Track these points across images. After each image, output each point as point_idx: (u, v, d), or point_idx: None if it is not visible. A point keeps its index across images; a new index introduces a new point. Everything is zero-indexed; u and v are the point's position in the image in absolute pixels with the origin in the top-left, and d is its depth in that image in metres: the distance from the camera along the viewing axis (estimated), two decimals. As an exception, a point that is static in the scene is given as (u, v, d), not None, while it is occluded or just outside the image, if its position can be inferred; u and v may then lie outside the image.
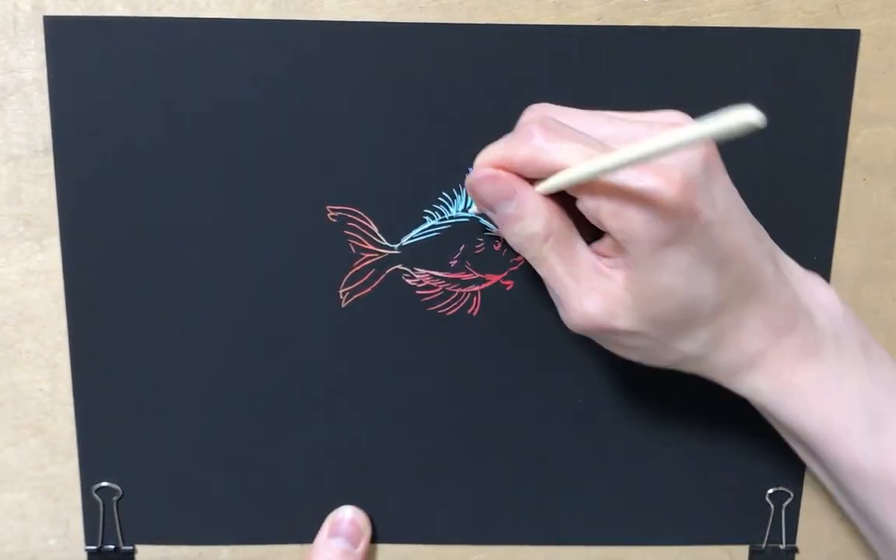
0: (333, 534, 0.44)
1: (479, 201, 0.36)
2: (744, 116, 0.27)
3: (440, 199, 0.41)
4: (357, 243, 0.41)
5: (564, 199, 0.35)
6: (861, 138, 0.41)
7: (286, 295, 0.42)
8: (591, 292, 0.35)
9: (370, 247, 0.41)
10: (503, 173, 0.35)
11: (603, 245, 0.36)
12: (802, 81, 0.40)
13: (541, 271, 0.36)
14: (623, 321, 0.35)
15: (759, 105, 0.40)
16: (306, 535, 0.45)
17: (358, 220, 0.41)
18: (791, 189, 0.41)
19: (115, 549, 0.45)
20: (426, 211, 0.41)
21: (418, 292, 0.42)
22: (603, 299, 0.35)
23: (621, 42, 0.39)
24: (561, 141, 0.33)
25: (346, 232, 0.41)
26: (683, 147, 0.31)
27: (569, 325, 0.37)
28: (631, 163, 0.31)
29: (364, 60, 0.39)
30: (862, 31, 0.40)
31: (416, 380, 0.43)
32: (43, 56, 0.39)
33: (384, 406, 0.43)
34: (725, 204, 0.34)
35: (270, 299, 0.42)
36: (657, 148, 0.30)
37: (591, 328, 0.36)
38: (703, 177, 0.33)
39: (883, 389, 0.38)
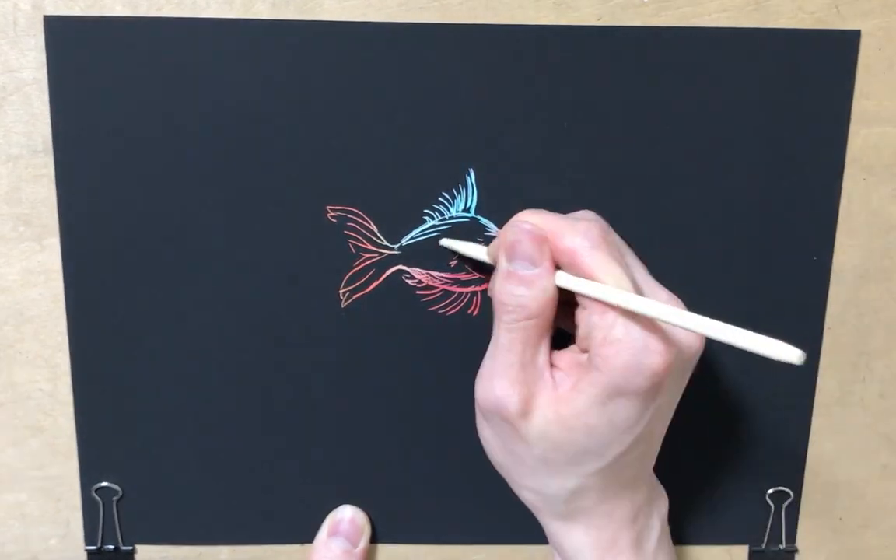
0: (333, 533, 0.44)
1: (507, 245, 0.35)
2: (786, 354, 0.28)
3: (440, 199, 0.41)
4: (357, 243, 0.41)
5: (561, 295, 0.35)
6: (861, 138, 0.41)
7: (286, 295, 0.42)
8: (522, 384, 0.35)
9: (370, 247, 0.41)
10: (545, 241, 0.35)
11: (561, 359, 0.36)
12: (802, 81, 0.40)
13: (500, 336, 0.35)
14: (528, 426, 0.35)
15: (760, 105, 0.40)
16: (306, 535, 0.45)
17: (358, 220, 0.41)
18: (791, 189, 0.41)
19: (115, 549, 0.45)
20: (426, 211, 0.41)
21: (418, 292, 0.42)
22: (528, 395, 0.35)
23: (621, 42, 0.39)
24: (608, 257, 0.34)
25: (346, 232, 0.41)
26: (695, 332, 0.33)
27: (478, 391, 0.36)
28: (652, 317, 0.32)
29: (364, 60, 0.39)
30: (862, 32, 0.40)
31: (416, 380, 0.43)
32: (43, 56, 0.39)
33: (384, 406, 0.43)
34: (674, 403, 0.37)
35: (270, 299, 0.42)
36: (687, 324, 0.32)
37: (495, 409, 0.35)
38: (686, 366, 0.36)
39: None
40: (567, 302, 0.36)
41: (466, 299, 0.42)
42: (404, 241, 0.41)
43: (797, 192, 0.41)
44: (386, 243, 0.41)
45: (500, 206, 0.41)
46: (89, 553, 0.45)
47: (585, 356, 0.35)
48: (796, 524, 0.46)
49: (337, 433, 0.44)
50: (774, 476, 0.45)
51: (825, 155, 0.41)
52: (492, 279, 0.36)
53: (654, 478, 0.40)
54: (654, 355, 0.33)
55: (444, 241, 0.41)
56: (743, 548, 0.46)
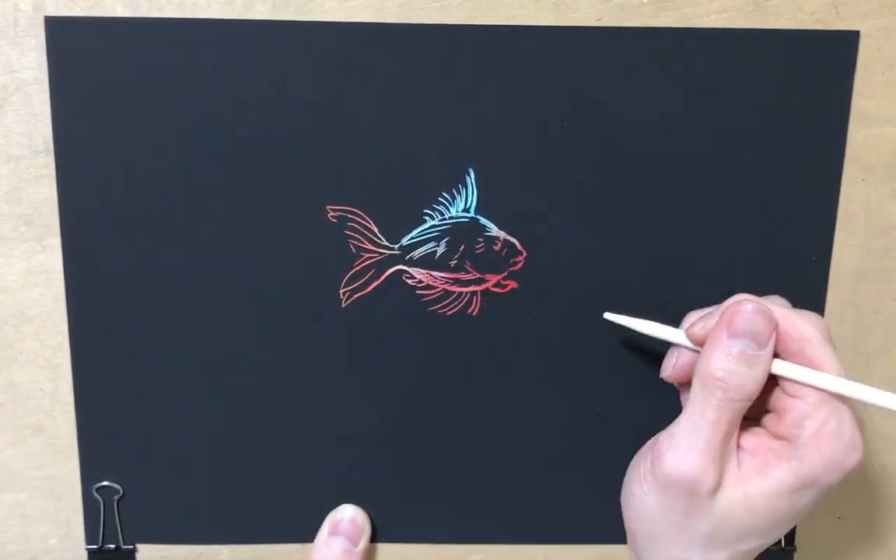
0: (334, 533, 0.44)
1: (735, 323, 0.35)
2: None
3: (440, 199, 0.41)
4: (357, 243, 0.41)
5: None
6: (860, 138, 0.41)
7: (286, 295, 0.42)
8: (719, 463, 0.35)
9: (370, 247, 0.41)
10: (775, 324, 0.35)
11: (748, 440, 0.37)
12: (802, 82, 0.40)
13: (708, 412, 0.35)
14: (713, 503, 0.35)
15: (759, 105, 0.40)
16: (306, 534, 0.45)
17: (358, 220, 0.41)
18: (791, 189, 0.41)
19: (115, 548, 0.45)
20: (426, 211, 0.41)
21: (418, 292, 0.42)
22: (721, 473, 0.35)
23: (621, 43, 0.39)
24: (833, 349, 0.36)
25: (346, 232, 0.41)
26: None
27: (668, 462, 0.36)
28: (879, 406, 0.35)
29: (364, 61, 0.39)
30: (861, 32, 0.40)
31: (415, 380, 0.43)
32: (44, 56, 0.39)
33: (384, 406, 0.44)
34: None
35: (270, 299, 0.42)
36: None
37: (688, 483, 0.35)
38: None
39: None
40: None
41: (466, 299, 0.42)
42: (404, 241, 0.41)
43: (796, 191, 0.41)
44: (386, 243, 0.41)
45: (500, 206, 0.41)
46: (90, 552, 0.45)
47: (779, 443, 0.36)
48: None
49: (337, 433, 0.44)
50: (774, 476, 0.45)
51: (824, 155, 0.41)
52: (704, 354, 0.36)
53: None
54: (855, 452, 0.35)
55: (611, 316, 0.41)
56: (742, 548, 0.46)
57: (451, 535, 0.46)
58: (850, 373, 0.44)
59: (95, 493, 0.44)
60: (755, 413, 0.37)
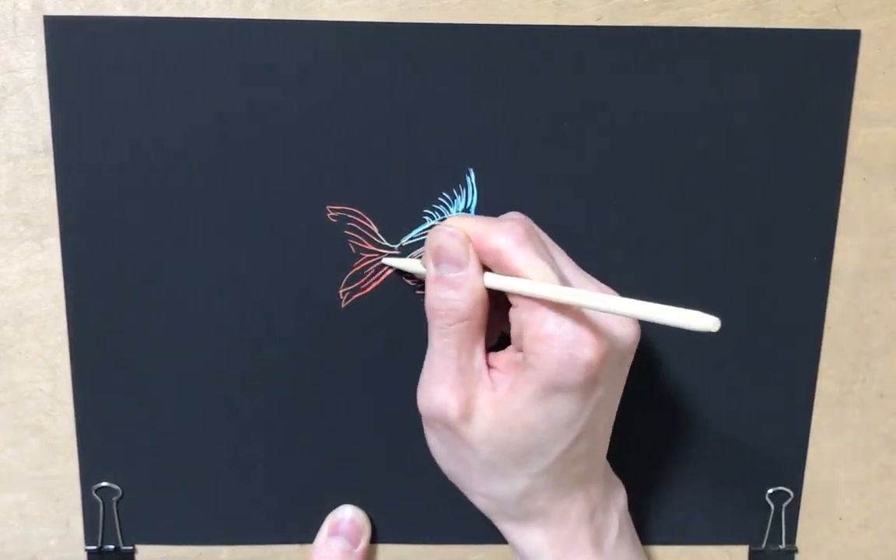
0: (333, 533, 0.44)
1: (432, 251, 0.36)
2: (703, 323, 0.29)
3: (440, 199, 0.41)
4: (357, 243, 0.41)
5: (492, 297, 0.36)
6: (861, 138, 0.41)
7: (286, 295, 0.42)
8: (460, 388, 0.35)
9: (370, 247, 0.41)
10: (468, 242, 0.35)
11: (499, 360, 0.36)
12: (802, 81, 0.40)
13: (434, 342, 0.36)
14: (470, 429, 0.35)
15: (760, 105, 0.40)
16: (306, 535, 0.45)
17: (358, 220, 0.41)
18: (791, 189, 0.41)
19: (115, 549, 0.45)
20: (426, 211, 0.41)
21: (418, 293, 0.42)
22: (467, 399, 0.35)
23: (621, 42, 0.39)
24: (533, 253, 0.34)
25: (346, 232, 0.41)
26: (629, 318, 0.34)
27: (419, 400, 0.37)
28: (579, 305, 0.33)
29: (364, 60, 0.39)
30: (862, 32, 0.40)
31: (416, 380, 0.43)
32: (43, 56, 0.39)
33: (384, 406, 0.43)
34: (617, 395, 0.37)
35: (271, 299, 0.42)
36: (615, 308, 0.32)
37: (436, 416, 0.36)
38: (623, 356, 0.35)
39: None
40: (504, 304, 0.36)
41: (466, 299, 0.42)
42: (404, 241, 0.41)
43: (797, 191, 0.41)
44: (386, 243, 0.41)
45: (500, 206, 0.41)
46: (89, 553, 0.45)
47: (520, 355, 0.35)
48: (796, 524, 0.46)
49: (337, 433, 0.44)
50: (774, 476, 0.45)
51: (825, 155, 0.41)
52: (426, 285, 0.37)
53: (610, 472, 0.40)
54: (586, 348, 0.33)
55: (386, 260, 0.41)
56: (743, 548, 0.46)
57: (451, 535, 0.46)
58: (851, 373, 0.44)
59: (95, 494, 0.44)
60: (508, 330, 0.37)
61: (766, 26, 0.39)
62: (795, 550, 0.46)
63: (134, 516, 0.45)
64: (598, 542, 0.38)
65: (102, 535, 0.45)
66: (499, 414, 0.35)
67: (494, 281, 0.35)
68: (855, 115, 0.41)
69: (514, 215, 0.38)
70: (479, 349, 0.36)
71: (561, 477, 0.36)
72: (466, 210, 0.41)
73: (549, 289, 0.33)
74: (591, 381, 0.34)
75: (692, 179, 0.41)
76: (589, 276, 0.36)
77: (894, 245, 0.43)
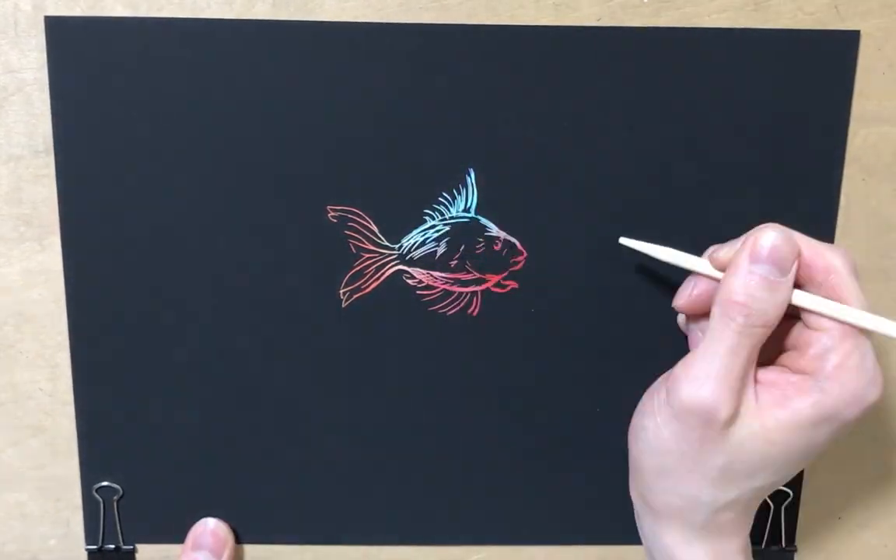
0: (196, 547, 0.44)
1: (760, 247, 0.35)
2: None
3: (440, 199, 0.41)
4: (357, 243, 0.41)
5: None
6: (861, 138, 0.41)
7: (286, 295, 0.42)
8: (736, 392, 0.35)
9: (370, 247, 0.41)
10: (798, 252, 0.35)
11: (764, 374, 0.36)
12: (802, 81, 0.40)
13: (727, 338, 0.35)
14: (730, 433, 0.35)
15: (760, 105, 0.40)
16: (307, 534, 0.45)
17: (358, 220, 0.41)
18: (791, 189, 0.41)
19: (115, 548, 0.45)
20: (426, 211, 0.41)
21: (418, 292, 0.42)
22: (737, 403, 0.35)
23: (621, 43, 0.39)
24: (858, 284, 0.35)
25: (346, 232, 0.41)
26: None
27: (683, 389, 0.35)
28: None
29: (364, 61, 0.39)
30: (862, 32, 0.40)
31: (416, 380, 0.43)
32: (44, 56, 0.39)
33: (384, 406, 0.44)
34: None
35: (271, 300, 0.42)
36: None
37: (702, 411, 0.35)
38: None
39: None
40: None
41: (466, 299, 0.42)
42: (404, 241, 0.41)
43: (797, 192, 0.41)
44: (386, 243, 0.41)
45: (500, 206, 0.41)
46: (90, 553, 0.45)
47: (799, 377, 0.35)
48: (796, 524, 0.46)
49: (337, 433, 0.44)
50: (774, 476, 0.45)
51: (825, 155, 0.41)
52: (725, 280, 0.35)
53: None
54: (875, 388, 0.34)
55: (627, 241, 0.40)
56: (743, 548, 0.46)
57: (451, 535, 0.46)
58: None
59: (95, 494, 0.44)
60: (771, 353, 0.37)
61: (766, 27, 0.39)
62: (795, 550, 0.46)
63: (134, 516, 0.45)
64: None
65: (103, 534, 0.45)
66: (764, 426, 0.35)
67: (809, 302, 0.35)
68: (855, 115, 0.41)
69: (836, 247, 0.37)
70: (756, 356, 0.35)
71: (757, 501, 0.37)
72: (466, 210, 0.41)
73: (875, 321, 0.34)
74: (859, 420, 0.35)
75: (692, 179, 0.41)
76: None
77: (894, 245, 0.43)
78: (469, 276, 0.42)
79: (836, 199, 0.42)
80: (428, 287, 0.42)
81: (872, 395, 0.34)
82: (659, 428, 0.36)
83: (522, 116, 0.40)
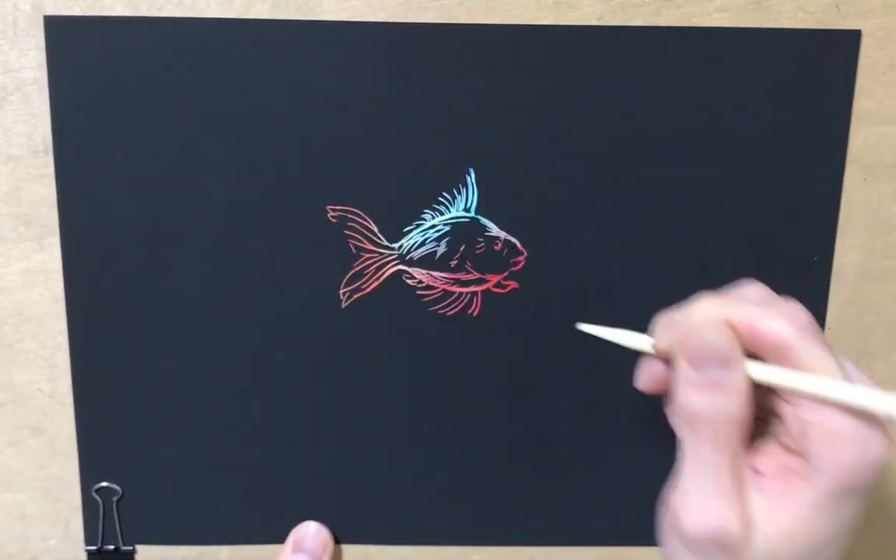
0: (297, 549, 0.44)
1: (690, 351, 0.31)
2: None
3: (440, 199, 0.41)
4: (357, 243, 0.41)
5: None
6: (861, 138, 0.41)
7: (286, 295, 0.42)
8: (737, 501, 0.30)
9: (370, 247, 0.41)
10: (732, 336, 0.31)
11: (760, 462, 0.32)
12: (802, 81, 0.40)
13: (698, 451, 0.31)
14: (751, 550, 0.30)
15: (760, 105, 0.40)
16: (306, 535, 0.45)
17: (358, 220, 0.41)
18: (791, 189, 0.41)
19: (115, 549, 0.45)
20: (426, 211, 0.41)
21: (418, 292, 0.42)
22: (743, 511, 0.30)
23: (621, 42, 0.39)
24: (818, 343, 0.30)
25: (346, 232, 0.41)
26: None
27: (686, 523, 0.31)
28: (866, 407, 0.29)
29: (364, 60, 0.39)
30: (862, 32, 0.40)
31: (415, 380, 0.43)
32: (43, 56, 0.39)
33: (384, 406, 0.43)
34: None
35: (270, 299, 0.42)
36: None
37: (713, 536, 0.30)
38: None
39: None
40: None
41: (466, 299, 0.42)
42: (404, 241, 0.41)
43: (797, 192, 0.41)
44: (386, 243, 0.41)
45: (500, 206, 0.41)
46: (89, 553, 0.45)
47: (794, 459, 0.31)
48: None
49: (337, 433, 0.44)
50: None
51: (826, 154, 0.41)
52: (675, 392, 0.32)
53: None
54: (877, 443, 0.30)
55: (583, 326, 0.37)
56: (743, 548, 0.46)
57: (451, 535, 0.46)
58: (850, 373, 0.44)
59: (95, 494, 0.44)
60: (763, 414, 0.33)
61: (767, 26, 0.39)
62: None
63: (134, 516, 0.45)
64: None
65: (102, 535, 0.45)
66: (779, 527, 0.30)
67: (765, 374, 0.31)
68: (855, 115, 0.41)
69: (762, 289, 0.33)
70: (741, 451, 0.31)
71: None
72: (466, 210, 0.41)
73: (844, 389, 0.29)
74: (878, 476, 0.30)
75: (692, 179, 0.41)
76: (849, 363, 0.32)
77: (894, 245, 0.43)
78: (469, 276, 0.42)
79: (837, 199, 0.42)
80: (428, 287, 0.42)
81: (876, 452, 0.30)
82: (680, 557, 0.33)
83: (522, 116, 0.40)
